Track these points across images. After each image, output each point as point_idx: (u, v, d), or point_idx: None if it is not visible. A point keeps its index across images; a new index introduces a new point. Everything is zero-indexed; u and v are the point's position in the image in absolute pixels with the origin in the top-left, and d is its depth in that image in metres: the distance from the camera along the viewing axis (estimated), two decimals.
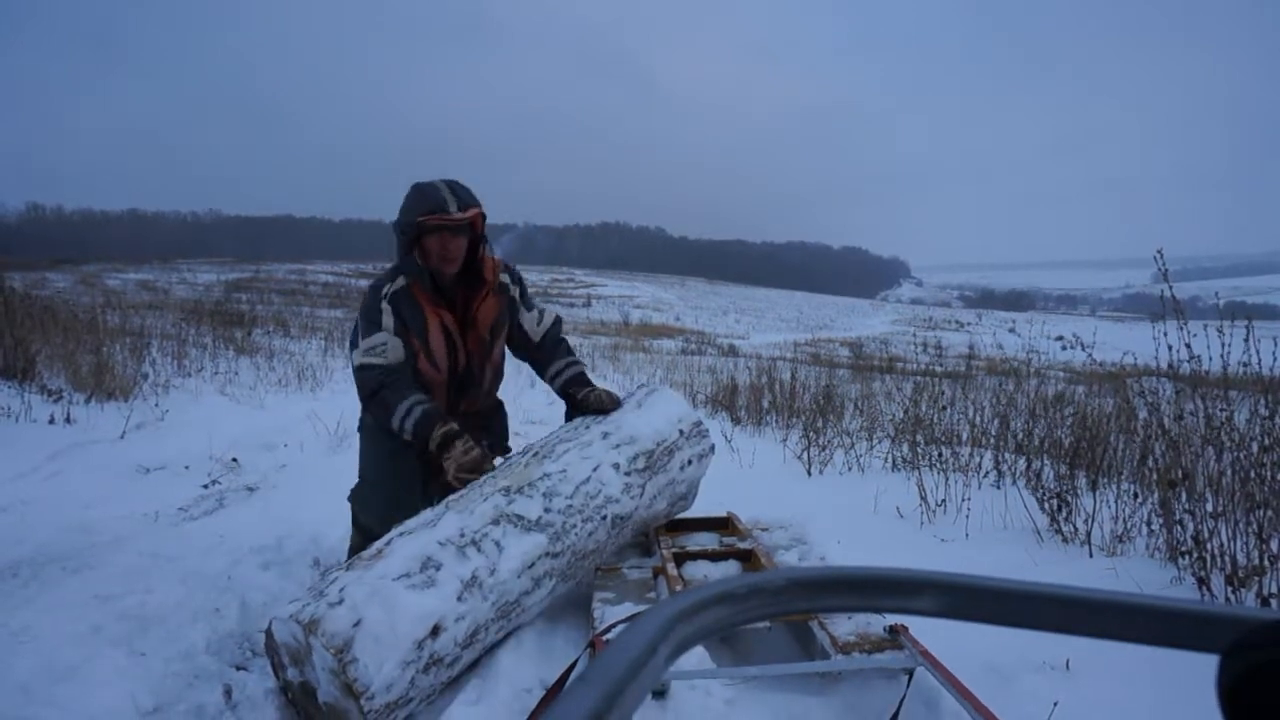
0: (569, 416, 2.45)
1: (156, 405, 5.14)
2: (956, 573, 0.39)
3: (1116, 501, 2.77)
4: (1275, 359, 2.58)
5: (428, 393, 2.23)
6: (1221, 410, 2.42)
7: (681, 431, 2.38)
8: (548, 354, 2.49)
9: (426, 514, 1.90)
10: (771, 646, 1.99)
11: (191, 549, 2.50)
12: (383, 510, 2.24)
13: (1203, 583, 2.17)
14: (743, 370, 9.79)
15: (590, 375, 2.53)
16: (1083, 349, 3.32)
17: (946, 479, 3.50)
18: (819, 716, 1.63)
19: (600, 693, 0.28)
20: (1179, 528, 2.38)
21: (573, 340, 2.84)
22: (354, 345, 2.22)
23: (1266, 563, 2.10)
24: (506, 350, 2.51)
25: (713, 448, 2.53)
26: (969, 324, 40.57)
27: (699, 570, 2.16)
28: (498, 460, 2.25)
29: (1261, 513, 2.14)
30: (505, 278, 2.38)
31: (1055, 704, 1.50)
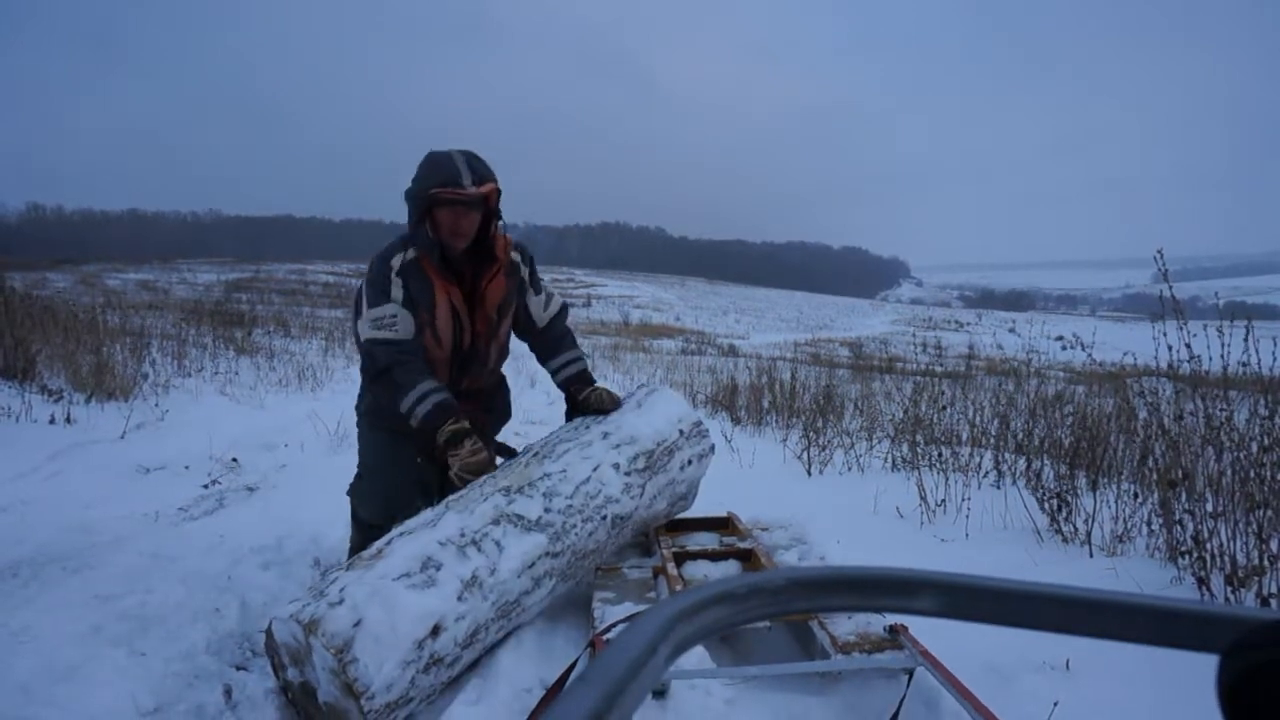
0: (569, 415, 2.44)
1: (156, 405, 5.15)
2: (956, 573, 0.39)
3: (1116, 501, 2.77)
4: (1275, 359, 2.58)
5: (431, 369, 2.16)
6: (1221, 410, 2.42)
7: (681, 431, 2.38)
8: (552, 343, 2.43)
9: (426, 514, 1.90)
10: (771, 646, 1.99)
11: (191, 549, 2.50)
12: (381, 501, 2.23)
13: (1202, 583, 2.17)
14: (743, 370, 9.79)
15: (591, 372, 2.52)
16: (1083, 349, 3.32)
17: (946, 479, 3.50)
18: (819, 716, 1.63)
19: (600, 693, 0.28)
20: (1179, 528, 2.38)
21: None
22: (358, 314, 2.15)
23: (1266, 563, 2.10)
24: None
25: (713, 448, 2.53)
26: (969, 324, 40.57)
27: (699, 570, 2.16)
28: (500, 460, 2.24)
29: (1261, 513, 2.14)
30: (516, 256, 2.29)
31: (1055, 704, 1.50)
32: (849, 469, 4.36)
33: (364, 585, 1.60)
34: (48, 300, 7.64)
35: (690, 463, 2.40)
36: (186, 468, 3.93)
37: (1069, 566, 2.55)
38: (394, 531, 1.85)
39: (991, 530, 3.01)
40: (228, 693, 1.75)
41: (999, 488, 3.56)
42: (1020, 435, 4.05)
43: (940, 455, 3.92)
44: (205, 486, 3.70)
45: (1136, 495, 2.72)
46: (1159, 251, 2.64)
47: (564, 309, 2.49)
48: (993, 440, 4.35)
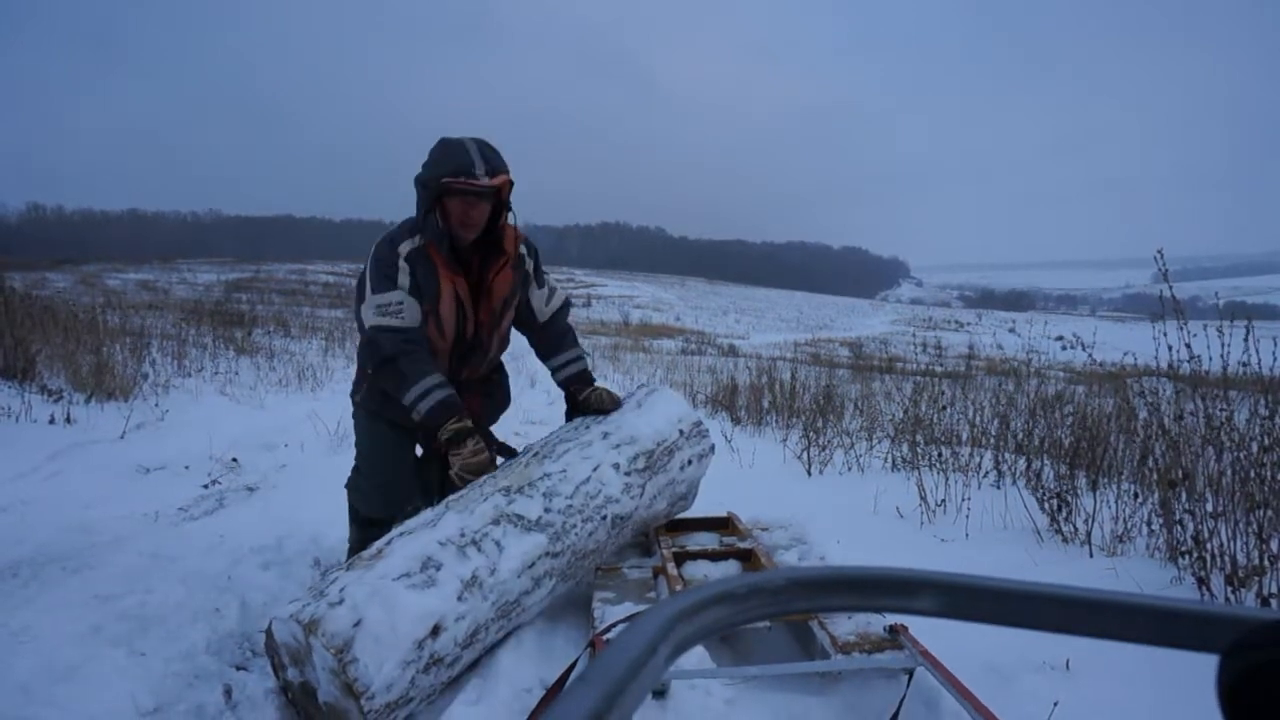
0: (569, 415, 2.43)
1: (156, 405, 5.14)
2: (956, 573, 0.39)
3: (1116, 501, 2.77)
4: (1275, 359, 2.58)
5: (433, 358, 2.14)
6: (1221, 410, 2.42)
7: (681, 431, 2.38)
8: (553, 340, 2.41)
9: (426, 514, 1.90)
10: (772, 646, 1.99)
11: (191, 549, 2.50)
12: (380, 495, 2.22)
13: (1203, 583, 2.17)
14: (743, 370, 9.79)
15: (591, 372, 2.52)
16: (1083, 349, 3.32)
17: (946, 479, 3.50)
18: (819, 716, 1.63)
19: (600, 693, 0.28)
20: (1179, 528, 2.38)
21: None
22: (360, 299, 2.07)
23: (1266, 563, 2.10)
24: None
25: (713, 448, 2.53)
26: (969, 324, 40.58)
27: (699, 570, 2.16)
28: (500, 460, 2.24)
29: (1261, 513, 2.14)
30: (523, 249, 2.28)
31: (1055, 704, 1.50)
32: (849, 469, 4.36)
33: (364, 585, 1.60)
34: (48, 300, 7.64)
35: (690, 463, 2.40)
36: (186, 468, 3.93)
37: (1069, 566, 2.55)
38: (394, 531, 1.85)
39: (991, 530, 3.01)
40: (228, 693, 1.75)
41: (999, 488, 3.56)
42: (1020, 435, 4.05)
43: (940, 455, 3.92)
44: (205, 486, 3.70)
45: (1136, 495, 2.72)
46: (1159, 251, 2.64)
47: (566, 304, 2.46)
48: (993, 440, 4.35)
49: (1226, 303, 2.95)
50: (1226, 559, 2.17)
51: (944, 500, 3.23)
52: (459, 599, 1.67)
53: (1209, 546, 2.21)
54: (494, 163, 2.02)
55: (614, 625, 1.76)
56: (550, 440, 2.24)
